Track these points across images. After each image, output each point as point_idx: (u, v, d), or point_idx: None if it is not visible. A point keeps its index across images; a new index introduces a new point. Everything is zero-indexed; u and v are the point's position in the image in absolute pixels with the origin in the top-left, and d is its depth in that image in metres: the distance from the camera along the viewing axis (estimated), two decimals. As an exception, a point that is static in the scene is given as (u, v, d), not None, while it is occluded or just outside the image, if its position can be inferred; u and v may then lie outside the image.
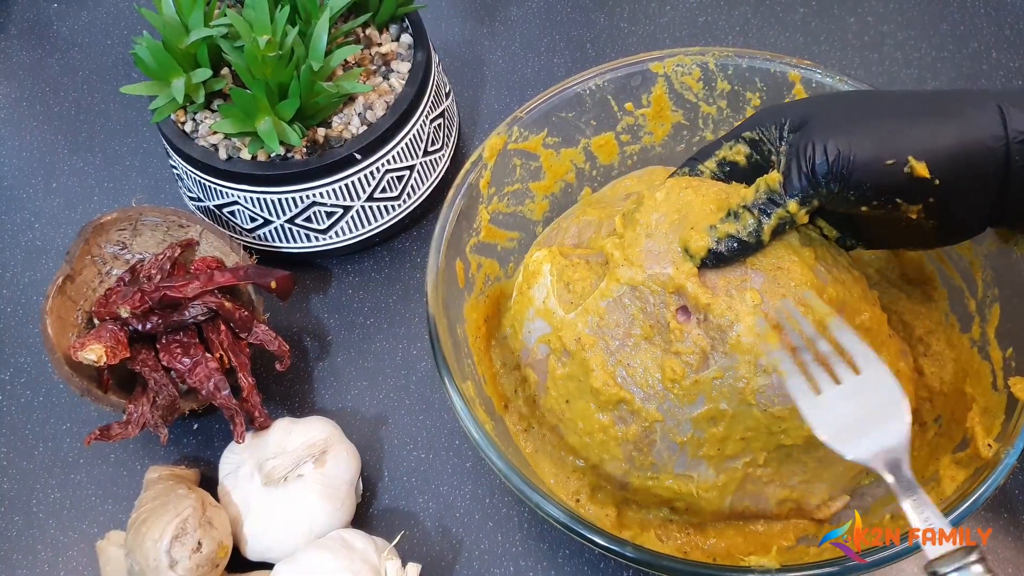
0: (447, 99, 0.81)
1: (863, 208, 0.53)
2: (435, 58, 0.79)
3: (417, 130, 0.75)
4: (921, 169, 0.51)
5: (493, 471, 0.58)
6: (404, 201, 0.77)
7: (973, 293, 0.65)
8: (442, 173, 0.80)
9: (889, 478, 0.49)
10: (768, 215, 0.55)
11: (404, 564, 0.63)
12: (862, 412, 0.52)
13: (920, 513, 0.47)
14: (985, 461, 0.56)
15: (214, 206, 0.76)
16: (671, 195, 0.59)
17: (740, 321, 0.55)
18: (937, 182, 0.51)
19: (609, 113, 0.73)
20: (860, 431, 0.51)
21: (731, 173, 0.61)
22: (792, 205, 0.54)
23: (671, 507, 0.62)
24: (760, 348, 0.55)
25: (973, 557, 0.45)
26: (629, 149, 0.75)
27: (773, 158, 0.58)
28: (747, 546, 0.62)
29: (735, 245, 0.56)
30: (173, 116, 0.74)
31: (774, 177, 0.55)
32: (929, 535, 0.46)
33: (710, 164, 0.62)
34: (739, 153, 0.60)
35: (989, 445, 0.57)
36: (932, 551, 0.46)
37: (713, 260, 0.56)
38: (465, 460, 0.71)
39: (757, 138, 0.59)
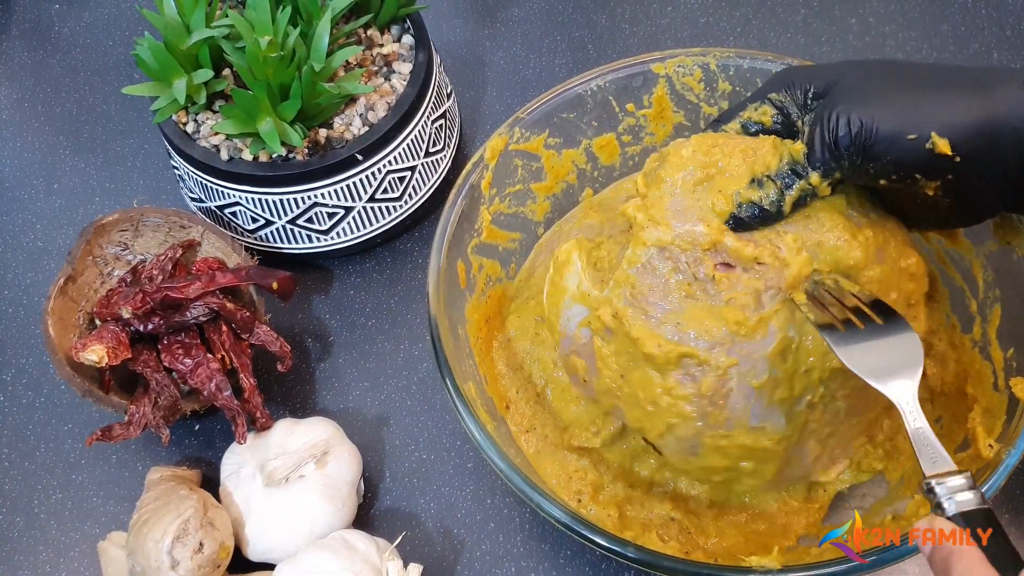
0: (448, 100, 0.81)
1: (881, 182, 0.53)
2: (436, 59, 0.79)
3: (419, 131, 0.75)
4: (943, 146, 0.51)
5: (495, 472, 0.58)
6: (406, 202, 0.77)
7: (974, 294, 0.65)
8: (443, 174, 0.80)
9: (898, 404, 0.51)
10: (790, 187, 0.55)
11: (406, 565, 0.63)
12: (881, 349, 0.52)
13: (920, 440, 0.49)
14: (986, 462, 0.56)
15: (216, 207, 0.76)
16: (697, 152, 0.58)
17: (792, 263, 0.55)
18: (958, 159, 0.51)
19: (610, 114, 0.73)
20: (880, 363, 0.52)
21: (756, 134, 0.60)
22: (814, 177, 0.55)
23: (734, 471, 0.60)
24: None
25: (967, 483, 0.46)
26: (631, 150, 0.75)
27: (798, 123, 0.58)
28: (748, 546, 0.62)
29: (756, 212, 0.56)
30: (175, 117, 0.74)
31: (798, 148, 0.55)
32: (933, 479, 0.47)
33: (734, 125, 0.60)
34: (764, 114, 0.59)
35: (990, 446, 0.57)
36: (929, 469, 0.47)
37: (732, 225, 0.56)
38: (467, 461, 0.71)
39: (783, 100, 0.58)
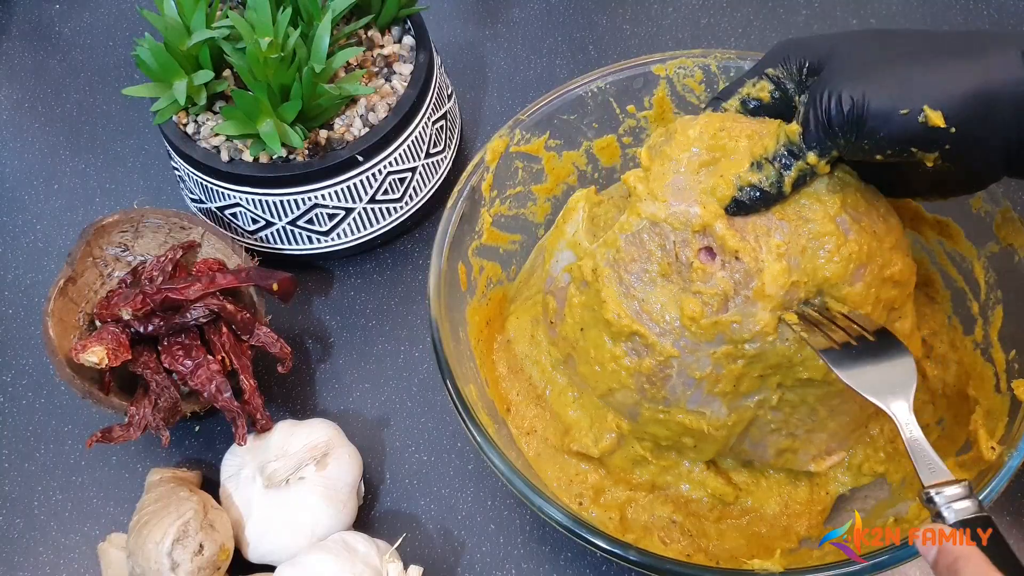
0: (449, 101, 0.80)
1: (878, 156, 0.53)
2: (437, 60, 0.79)
3: (419, 132, 0.75)
4: (936, 118, 0.50)
5: (495, 474, 0.58)
6: (406, 203, 0.77)
7: (976, 295, 0.65)
8: (444, 175, 0.80)
9: (893, 415, 0.51)
10: (789, 167, 0.55)
11: (406, 567, 0.63)
12: (875, 364, 0.54)
13: (917, 451, 0.50)
14: (988, 464, 0.56)
15: (216, 208, 0.75)
16: (704, 134, 0.58)
17: (766, 270, 0.55)
18: (952, 130, 0.51)
19: (611, 115, 0.73)
20: (874, 378, 0.53)
21: (755, 110, 0.60)
22: (811, 157, 0.54)
23: (677, 443, 0.62)
24: (780, 299, 0.55)
25: (965, 492, 0.47)
26: (631, 151, 0.75)
27: (795, 100, 0.58)
28: (750, 549, 0.62)
29: (757, 195, 0.56)
30: (175, 118, 0.74)
31: (793, 129, 0.55)
32: (931, 489, 0.47)
33: (733, 102, 0.60)
34: (763, 90, 0.59)
35: (992, 448, 0.57)
36: (927, 479, 0.48)
37: (734, 208, 0.56)
38: (467, 463, 0.71)
39: (779, 75, 0.58)
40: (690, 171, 0.57)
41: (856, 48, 0.55)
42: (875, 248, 0.57)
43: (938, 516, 0.46)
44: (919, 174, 0.56)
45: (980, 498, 0.51)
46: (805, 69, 0.57)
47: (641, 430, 0.62)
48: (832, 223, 0.56)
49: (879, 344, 0.54)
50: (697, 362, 0.57)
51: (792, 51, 0.58)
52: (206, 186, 0.74)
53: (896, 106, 0.51)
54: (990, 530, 0.44)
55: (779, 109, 0.59)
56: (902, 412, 0.51)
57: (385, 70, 0.77)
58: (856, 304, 0.56)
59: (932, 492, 0.47)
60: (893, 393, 0.52)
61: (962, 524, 0.45)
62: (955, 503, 0.46)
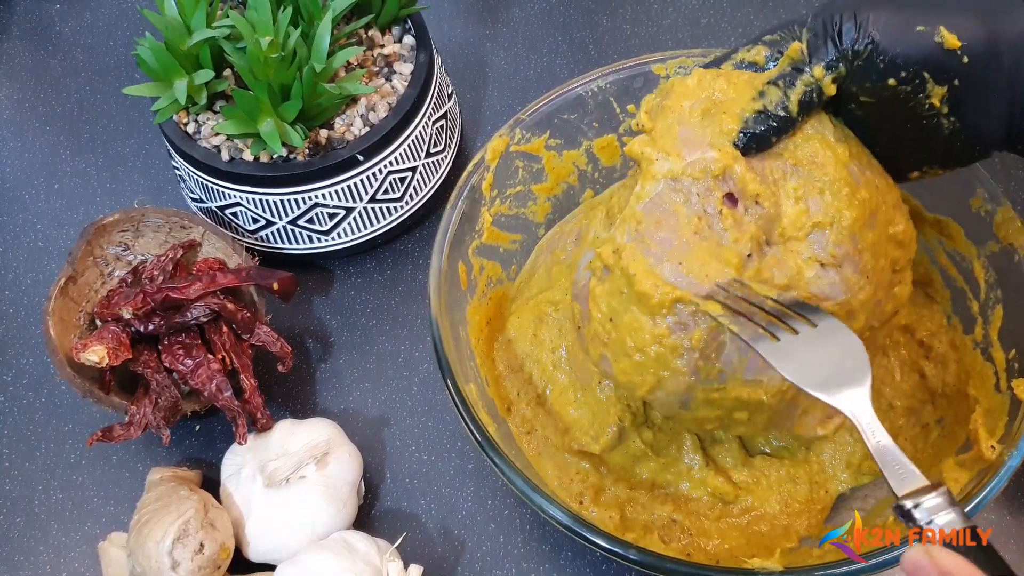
0: (449, 100, 0.81)
1: (891, 81, 0.52)
2: (437, 59, 0.79)
3: (419, 132, 0.75)
4: (952, 40, 0.50)
5: (496, 473, 0.58)
6: (407, 203, 0.77)
7: (976, 295, 0.65)
8: (444, 175, 0.80)
9: (854, 419, 0.47)
10: (793, 84, 0.53)
11: (406, 566, 0.63)
12: (823, 356, 0.49)
13: (884, 457, 0.45)
14: (988, 463, 0.56)
15: (216, 207, 0.76)
16: (703, 82, 0.56)
17: (786, 213, 0.53)
18: (965, 60, 0.50)
19: (611, 115, 0.73)
20: (823, 373, 0.48)
21: None
22: (817, 70, 0.53)
23: (726, 422, 0.57)
24: (802, 236, 0.53)
25: (939, 493, 0.43)
26: (632, 151, 0.75)
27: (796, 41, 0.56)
28: (750, 548, 0.62)
29: (765, 122, 0.53)
30: (175, 117, 0.74)
31: (796, 47, 0.54)
32: (907, 500, 0.43)
33: (727, 67, 0.58)
34: (758, 54, 0.57)
35: (992, 447, 0.57)
36: (899, 488, 0.43)
37: (745, 141, 0.54)
38: (467, 462, 0.71)
39: (778, 39, 0.57)
40: (695, 119, 0.55)
41: None
42: (880, 201, 0.55)
43: (919, 533, 0.42)
44: (920, 132, 0.55)
45: (978, 499, 0.48)
46: (808, 17, 0.55)
47: (689, 417, 0.57)
48: (844, 169, 0.54)
49: (821, 331, 0.49)
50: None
51: (792, 20, 0.57)
52: (206, 185, 0.74)
53: (912, 22, 0.50)
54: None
55: None
56: (863, 412, 0.46)
57: (385, 70, 0.77)
58: (872, 255, 0.54)
59: (909, 504, 0.42)
60: (847, 388, 0.47)
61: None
62: (937, 515, 0.42)
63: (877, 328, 0.58)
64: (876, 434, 0.46)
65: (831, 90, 0.54)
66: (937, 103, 0.52)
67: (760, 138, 0.54)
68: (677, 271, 0.53)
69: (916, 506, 0.42)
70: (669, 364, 0.54)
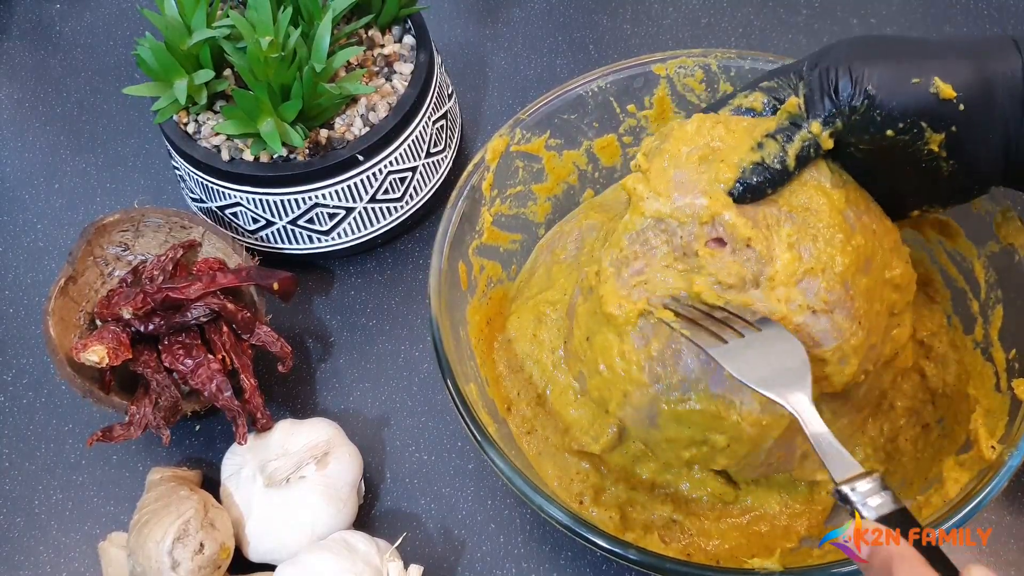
0: (449, 100, 0.80)
1: (888, 132, 0.52)
2: (437, 59, 0.79)
3: (420, 131, 0.75)
4: (947, 89, 0.51)
5: (496, 473, 0.58)
6: (407, 203, 0.77)
7: (976, 295, 0.65)
8: (444, 174, 0.80)
9: (795, 413, 0.50)
10: (791, 139, 0.54)
11: (406, 566, 0.63)
12: (766, 357, 0.52)
13: (824, 447, 0.48)
14: (988, 463, 0.56)
15: (216, 207, 0.76)
16: (701, 129, 0.57)
17: (778, 257, 0.54)
18: (961, 107, 0.51)
19: (611, 115, 0.73)
20: (766, 371, 0.51)
21: None
22: (815, 126, 0.54)
23: (704, 445, 0.58)
24: (793, 283, 0.54)
25: (872, 479, 0.46)
26: (632, 151, 0.75)
27: (793, 95, 0.57)
28: (750, 548, 0.62)
29: (762, 174, 0.54)
30: (176, 117, 0.74)
31: (793, 101, 0.55)
32: (844, 485, 0.46)
33: (725, 112, 0.59)
34: (755, 100, 0.58)
35: (992, 447, 0.57)
36: (838, 475, 0.47)
37: (741, 191, 0.55)
38: (467, 462, 0.71)
39: (775, 85, 0.58)
40: (691, 165, 0.56)
41: (859, 40, 0.55)
42: (876, 247, 0.57)
43: (854, 513, 0.45)
44: (919, 175, 0.56)
45: (978, 499, 0.49)
46: (804, 67, 0.56)
47: (661, 437, 0.59)
48: (839, 215, 0.55)
49: (766, 335, 0.52)
50: None
51: (788, 66, 0.58)
52: (206, 185, 0.74)
53: (908, 75, 0.51)
54: (918, 528, 0.43)
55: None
56: (802, 406, 0.50)
57: (385, 69, 0.77)
58: (865, 299, 0.55)
59: (846, 488, 0.46)
60: (789, 386, 0.50)
61: (884, 520, 0.44)
62: (870, 498, 0.45)
63: (875, 372, 0.58)
64: (814, 425, 0.49)
65: (828, 144, 0.55)
66: (936, 148, 0.53)
67: (756, 189, 0.55)
68: (641, 290, 0.56)
69: (852, 490, 0.46)
70: (632, 376, 0.57)
